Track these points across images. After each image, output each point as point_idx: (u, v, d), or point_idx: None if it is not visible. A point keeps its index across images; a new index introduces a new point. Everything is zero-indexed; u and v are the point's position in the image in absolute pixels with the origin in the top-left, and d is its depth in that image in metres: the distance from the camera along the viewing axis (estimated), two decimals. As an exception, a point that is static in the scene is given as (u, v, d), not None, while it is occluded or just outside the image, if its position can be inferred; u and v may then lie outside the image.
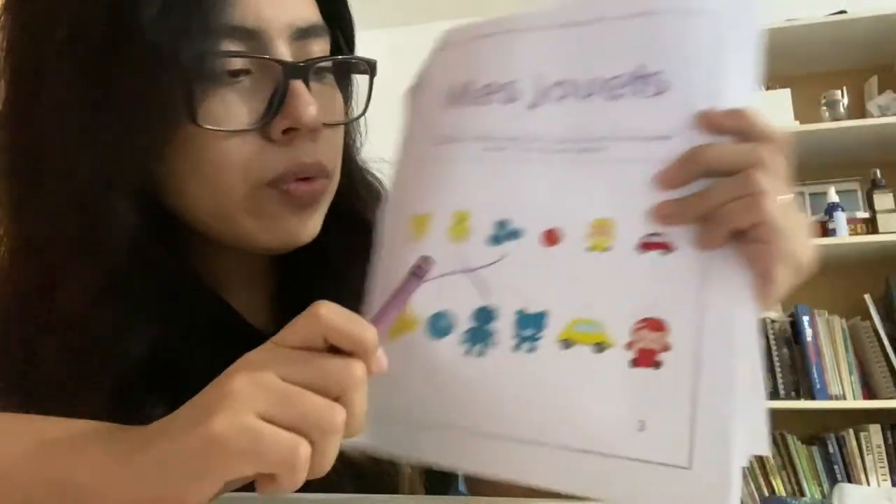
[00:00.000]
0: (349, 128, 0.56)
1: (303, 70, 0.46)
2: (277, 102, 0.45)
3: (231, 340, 0.50)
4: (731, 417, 0.36)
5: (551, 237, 0.41)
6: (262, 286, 0.55)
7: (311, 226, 0.49)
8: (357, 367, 0.34)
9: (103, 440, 0.35)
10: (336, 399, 0.33)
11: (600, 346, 0.39)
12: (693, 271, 0.38)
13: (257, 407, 0.32)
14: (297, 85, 0.45)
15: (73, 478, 0.34)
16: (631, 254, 0.40)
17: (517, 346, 0.40)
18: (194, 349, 0.48)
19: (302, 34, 0.47)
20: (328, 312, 0.34)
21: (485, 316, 0.41)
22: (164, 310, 0.48)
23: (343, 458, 0.35)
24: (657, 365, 0.37)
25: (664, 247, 0.39)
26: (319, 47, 0.49)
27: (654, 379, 0.37)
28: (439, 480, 0.55)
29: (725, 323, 0.37)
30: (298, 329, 0.35)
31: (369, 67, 0.53)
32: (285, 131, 0.45)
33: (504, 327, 0.41)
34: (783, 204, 0.37)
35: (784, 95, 2.19)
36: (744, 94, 0.41)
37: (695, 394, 0.36)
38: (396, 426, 0.42)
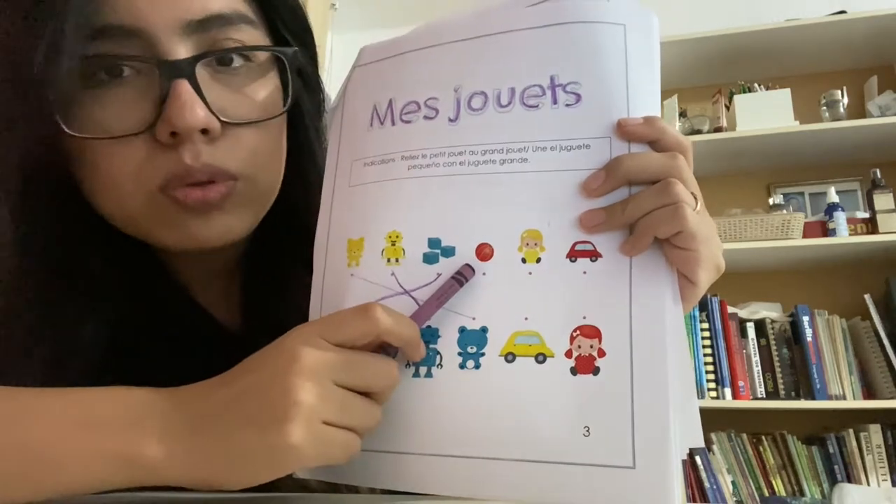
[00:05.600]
0: (302, 126, 0.53)
1: (182, 68, 0.43)
2: (159, 104, 0.43)
3: (196, 334, 0.52)
4: (668, 415, 0.37)
5: (484, 252, 0.42)
6: (232, 283, 0.55)
7: (220, 227, 0.47)
8: (395, 369, 0.39)
9: (164, 417, 0.36)
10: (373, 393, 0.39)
11: (542, 357, 0.40)
12: (620, 276, 0.40)
13: (324, 416, 0.36)
14: (178, 84, 0.43)
15: (139, 452, 0.35)
16: (562, 263, 0.41)
17: (463, 364, 0.41)
18: (157, 339, 0.49)
19: (199, 26, 0.44)
20: (383, 316, 0.38)
21: (427, 336, 0.42)
22: (127, 301, 0.49)
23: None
24: (596, 371, 0.39)
25: (592, 254, 0.41)
26: (235, 37, 0.46)
27: (595, 385, 0.39)
28: None
29: (654, 324, 0.39)
30: (353, 327, 0.38)
31: (285, 59, 0.49)
32: (172, 134, 0.43)
33: (448, 346, 0.41)
34: (699, 211, 0.40)
35: (784, 95, 2.19)
36: (650, 101, 0.43)
37: (633, 395, 0.38)
38: None
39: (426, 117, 0.45)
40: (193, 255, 0.49)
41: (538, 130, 0.43)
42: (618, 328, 0.39)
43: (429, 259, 0.43)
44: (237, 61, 0.47)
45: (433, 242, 0.43)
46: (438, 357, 0.41)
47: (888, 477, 1.96)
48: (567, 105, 0.43)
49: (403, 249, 0.43)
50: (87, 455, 0.35)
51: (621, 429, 0.38)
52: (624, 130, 0.41)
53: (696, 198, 0.41)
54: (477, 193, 0.43)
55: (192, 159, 0.44)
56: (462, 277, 0.41)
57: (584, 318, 0.40)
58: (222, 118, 0.44)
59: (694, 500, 2.00)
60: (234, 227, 0.48)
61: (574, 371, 0.39)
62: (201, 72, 0.44)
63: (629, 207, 0.40)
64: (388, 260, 0.44)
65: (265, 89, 0.48)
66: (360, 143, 0.47)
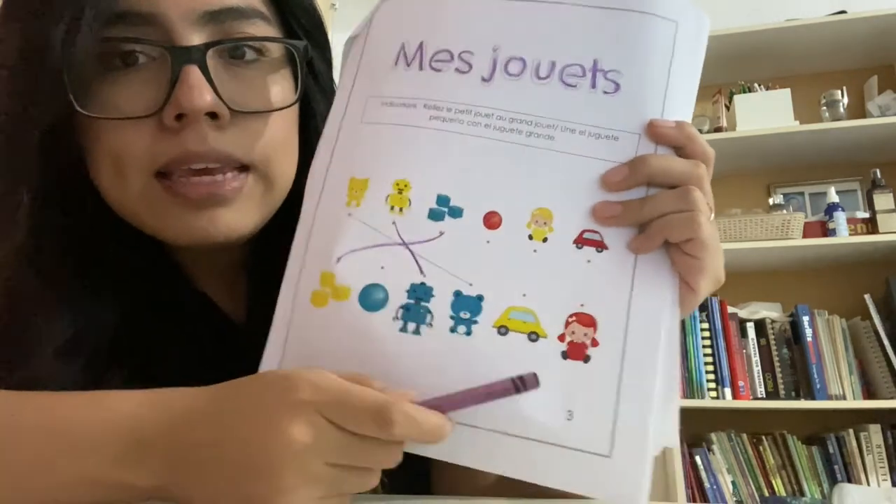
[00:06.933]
0: (313, 127, 0.53)
1: (193, 54, 0.44)
2: (169, 88, 0.43)
3: (201, 325, 0.52)
4: (650, 413, 0.38)
5: (492, 220, 0.41)
6: (239, 276, 0.55)
7: (223, 223, 0.46)
8: (399, 453, 0.36)
9: (151, 450, 0.35)
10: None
11: (534, 336, 0.40)
12: (623, 272, 0.41)
13: (311, 496, 0.33)
14: (188, 69, 0.43)
15: (129, 483, 0.35)
16: (568, 247, 0.41)
17: (454, 328, 0.40)
18: (163, 328, 0.49)
19: (214, 17, 0.45)
20: (402, 427, 0.34)
21: (421, 293, 0.40)
22: (135, 289, 0.49)
23: None
24: (587, 359, 0.39)
25: (599, 245, 0.41)
26: (248, 31, 0.47)
27: (584, 372, 0.39)
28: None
29: (650, 324, 0.40)
30: (364, 426, 0.34)
31: (294, 51, 0.50)
32: (178, 118, 0.44)
33: (440, 307, 0.40)
34: (712, 222, 0.41)
35: (784, 95, 2.19)
36: (686, 104, 0.43)
37: (619, 389, 0.39)
38: None
39: (458, 70, 0.44)
40: (201, 249, 0.50)
41: (571, 111, 0.42)
42: (614, 321, 0.40)
43: (434, 215, 0.42)
44: (250, 55, 0.47)
45: (442, 199, 0.42)
46: (429, 316, 0.40)
47: (888, 477, 1.96)
48: (605, 92, 0.42)
49: (409, 200, 0.42)
50: (76, 481, 0.35)
51: (603, 417, 0.38)
52: (655, 131, 0.42)
53: (710, 209, 0.41)
54: (496, 160, 0.42)
55: (197, 144, 0.44)
56: (522, 385, 0.38)
57: (582, 305, 0.40)
58: (231, 106, 0.45)
59: (694, 500, 2.00)
60: (237, 223, 0.47)
61: (565, 355, 0.39)
62: (213, 62, 0.45)
63: (647, 206, 0.40)
64: (392, 208, 0.42)
65: (277, 84, 0.49)
66: (380, 80, 0.45)
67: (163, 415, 0.35)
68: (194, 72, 0.43)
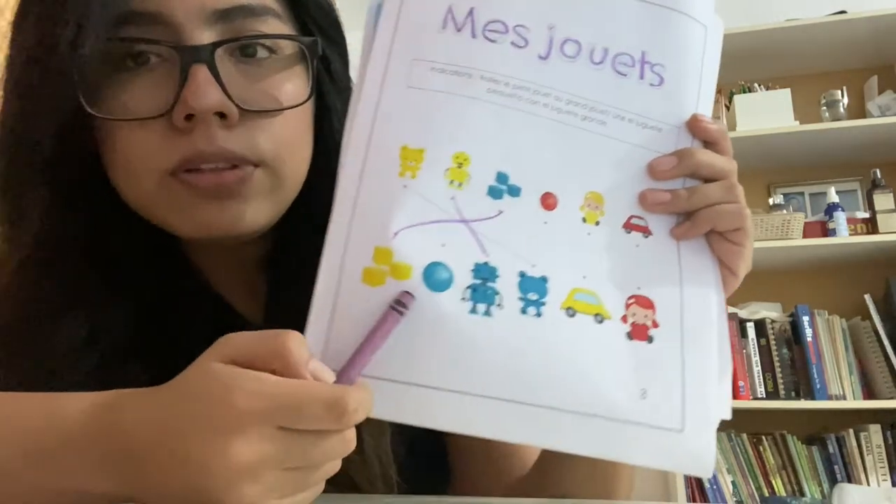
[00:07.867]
0: (328, 124, 0.52)
1: (201, 53, 0.43)
2: (178, 88, 0.43)
3: (216, 325, 0.51)
4: (711, 387, 0.41)
5: (548, 201, 0.42)
6: (255, 276, 0.55)
7: (233, 214, 0.46)
8: (352, 440, 0.35)
9: (104, 455, 0.34)
10: None
11: (600, 318, 0.41)
12: (670, 257, 0.43)
13: (274, 497, 0.32)
14: (196, 69, 0.43)
15: (92, 489, 0.34)
16: (618, 231, 0.43)
17: (524, 310, 0.40)
18: (178, 328, 0.50)
19: (224, 16, 0.45)
20: (360, 413, 0.33)
21: (486, 272, 0.40)
22: (151, 288, 0.50)
23: None
24: (650, 339, 0.41)
25: (644, 230, 0.43)
26: (259, 29, 0.47)
27: (649, 352, 0.41)
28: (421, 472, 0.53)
29: (703, 305, 0.43)
30: (320, 422, 0.32)
31: (304, 47, 0.49)
32: (187, 118, 0.43)
33: (507, 287, 0.40)
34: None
35: (784, 95, 2.19)
36: (710, 105, 0.46)
37: (683, 366, 0.41)
38: (389, 385, 0.38)
39: (514, 44, 0.43)
40: (216, 248, 0.50)
41: (622, 99, 0.44)
42: (670, 303, 0.42)
43: (494, 193, 0.41)
44: (261, 53, 0.47)
45: (501, 177, 0.41)
46: (497, 297, 0.39)
47: (888, 477, 1.96)
48: (651, 84, 0.44)
49: (469, 175, 0.41)
50: (43, 491, 0.34)
51: (674, 394, 0.41)
52: (699, 125, 0.44)
53: None
54: (552, 141, 0.42)
55: (206, 143, 0.44)
56: (402, 307, 0.37)
57: (639, 288, 0.42)
58: (241, 105, 0.44)
59: (694, 500, 2.00)
60: (247, 215, 0.47)
61: (629, 336, 0.41)
62: (224, 61, 0.45)
63: (696, 196, 0.43)
64: (451, 182, 0.41)
65: (289, 81, 0.48)
66: (426, 42, 0.42)
67: (114, 423, 0.34)
68: (202, 71, 0.43)
